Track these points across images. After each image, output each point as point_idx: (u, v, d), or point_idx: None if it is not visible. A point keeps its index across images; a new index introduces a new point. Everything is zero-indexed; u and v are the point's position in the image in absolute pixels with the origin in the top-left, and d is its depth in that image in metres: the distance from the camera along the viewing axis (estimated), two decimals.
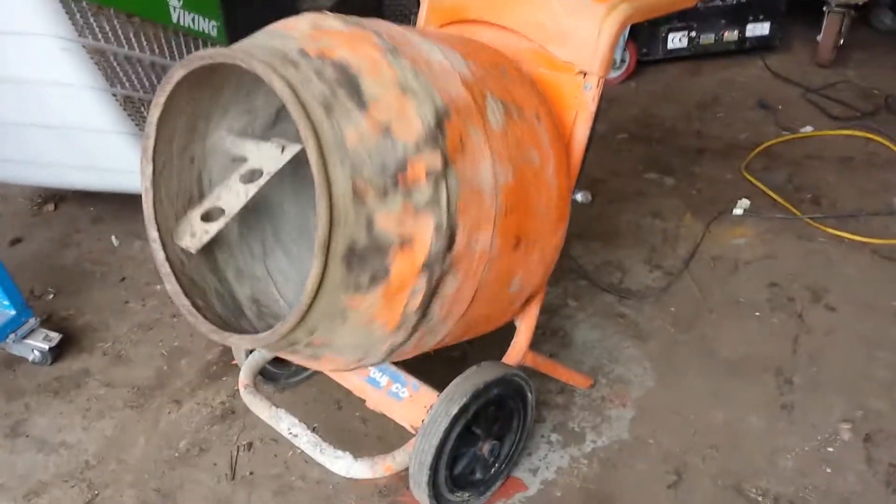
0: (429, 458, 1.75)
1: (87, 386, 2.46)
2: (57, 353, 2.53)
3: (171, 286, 1.49)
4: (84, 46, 2.30)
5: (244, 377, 2.07)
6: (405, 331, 1.48)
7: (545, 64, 1.94)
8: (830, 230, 2.99)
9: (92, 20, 2.32)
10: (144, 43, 2.50)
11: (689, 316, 2.63)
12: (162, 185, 1.52)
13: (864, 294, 2.68)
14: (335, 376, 2.09)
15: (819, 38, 4.35)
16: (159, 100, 1.42)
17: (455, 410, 1.75)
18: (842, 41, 4.29)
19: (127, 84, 2.48)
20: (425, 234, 1.37)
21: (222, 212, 1.54)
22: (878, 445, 2.13)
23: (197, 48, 2.71)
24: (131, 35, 2.44)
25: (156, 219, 1.50)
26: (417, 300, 1.42)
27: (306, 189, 1.84)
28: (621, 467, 2.12)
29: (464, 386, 1.80)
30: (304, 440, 1.87)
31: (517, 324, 2.06)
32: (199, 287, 1.58)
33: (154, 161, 1.48)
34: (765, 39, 4.49)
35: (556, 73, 1.92)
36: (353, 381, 2.06)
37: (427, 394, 1.95)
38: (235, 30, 2.88)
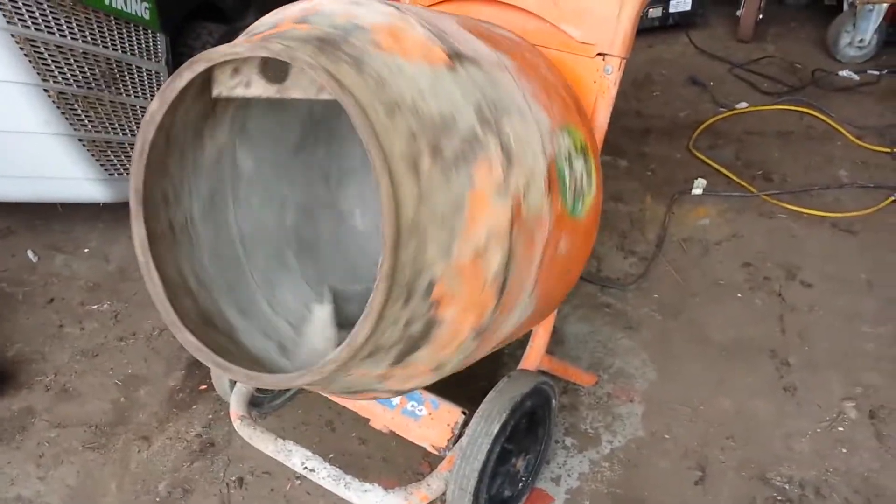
0: (472, 483, 1.59)
1: (33, 428, 2.13)
2: None
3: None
4: (13, 35, 1.96)
5: (237, 408, 1.83)
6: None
7: (559, 45, 1.79)
8: (788, 206, 3.01)
9: (21, 4, 1.97)
10: (77, 29, 2.16)
11: (674, 301, 2.58)
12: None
13: (833, 268, 2.71)
14: (337, 398, 1.89)
15: (739, 13, 4.42)
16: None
17: (496, 429, 1.60)
18: (760, 16, 4.38)
19: (60, 78, 2.14)
20: None
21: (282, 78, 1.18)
22: (885, 421, 2.14)
23: (129, 33, 2.39)
24: (63, 20, 2.10)
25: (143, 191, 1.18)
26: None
27: None
28: (644, 467, 2.03)
29: (501, 401, 1.65)
30: (324, 474, 1.66)
31: (533, 328, 1.92)
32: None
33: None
34: (687, 15, 4.53)
35: (571, 55, 1.78)
36: (358, 402, 1.87)
37: (450, 411, 1.78)
38: (167, 12, 2.58)
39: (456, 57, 1.17)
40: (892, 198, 3.01)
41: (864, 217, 2.94)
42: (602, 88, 1.75)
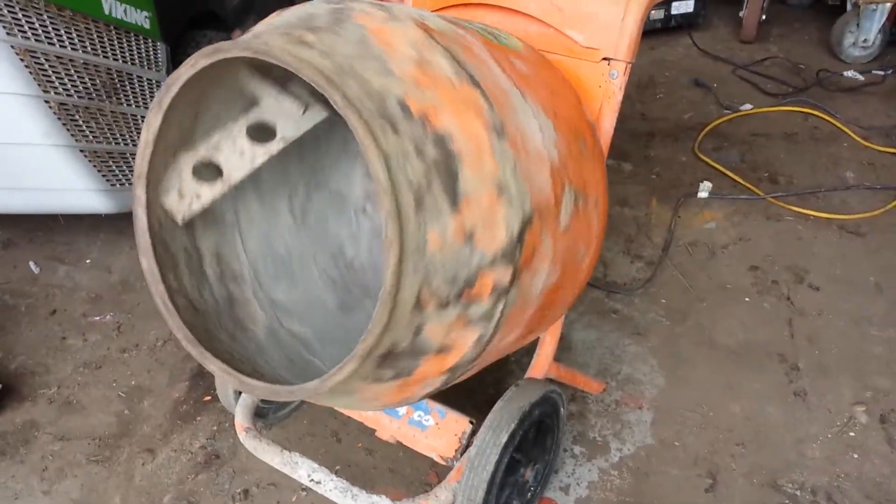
0: (480, 494, 1.57)
1: (37, 441, 2.11)
2: None
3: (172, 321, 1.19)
4: (13, 47, 1.94)
5: (242, 420, 1.81)
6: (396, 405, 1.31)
7: (563, 50, 1.77)
8: (795, 208, 2.99)
9: (20, 15, 1.96)
10: (77, 40, 2.15)
11: (681, 306, 2.55)
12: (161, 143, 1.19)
13: (841, 271, 2.69)
14: (346, 410, 1.87)
15: (742, 14, 4.41)
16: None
17: (505, 439, 1.58)
18: (763, 17, 4.36)
19: (61, 89, 2.12)
20: (465, 345, 1.19)
21: (219, 172, 1.22)
22: (895, 425, 2.13)
23: (129, 43, 2.37)
24: (62, 31, 2.09)
25: (147, 176, 1.16)
26: (425, 392, 1.25)
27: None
28: (654, 475, 2.00)
29: (509, 410, 1.62)
30: (331, 486, 1.63)
31: (540, 335, 1.90)
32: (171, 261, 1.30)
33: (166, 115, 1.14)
34: (689, 17, 4.51)
35: (575, 60, 1.76)
36: (364, 412, 1.85)
37: (457, 420, 1.76)
38: (167, 21, 2.56)
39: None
40: None
41: (871, 219, 2.92)
42: (607, 93, 1.73)
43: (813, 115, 3.63)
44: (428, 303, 1.08)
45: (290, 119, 1.21)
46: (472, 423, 1.75)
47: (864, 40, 4.09)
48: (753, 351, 2.37)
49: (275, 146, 1.22)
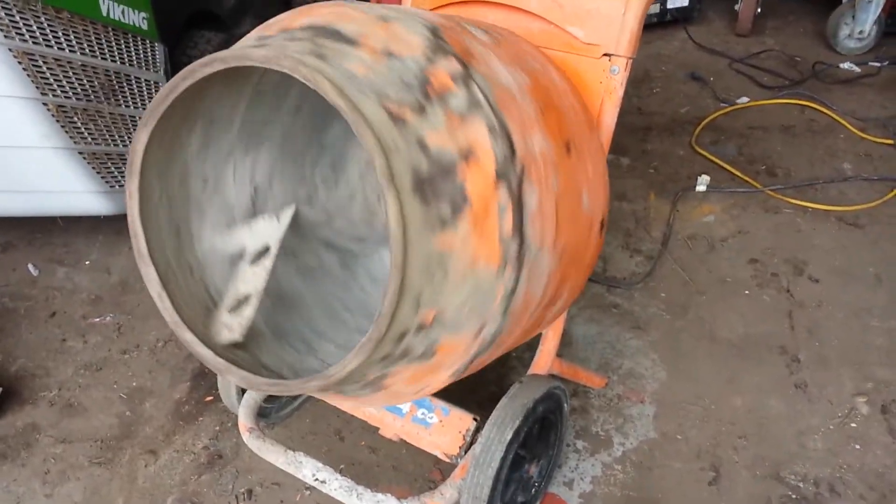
0: (485, 492, 1.57)
1: (38, 444, 2.11)
2: None
3: (235, 375, 1.23)
4: (10, 50, 1.93)
5: (246, 420, 1.80)
6: (512, 268, 1.25)
7: (563, 46, 1.77)
8: (793, 201, 2.99)
9: (17, 18, 1.94)
10: (74, 41, 2.14)
11: (681, 300, 2.56)
12: (174, 292, 1.26)
13: (840, 263, 2.69)
14: (349, 408, 1.87)
15: (737, 7, 4.41)
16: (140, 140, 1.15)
17: (510, 436, 1.58)
18: (759, 10, 4.36)
19: (59, 91, 2.11)
20: (482, 139, 1.18)
21: (247, 298, 1.35)
22: None
23: (127, 44, 2.36)
24: (60, 33, 2.08)
25: (182, 319, 1.24)
26: (508, 220, 1.21)
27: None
28: (657, 469, 2.01)
29: (513, 407, 1.62)
30: (336, 486, 1.63)
31: (543, 330, 1.90)
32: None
33: (154, 262, 1.22)
34: (685, 11, 4.52)
35: (576, 56, 1.76)
36: (368, 410, 1.85)
37: (461, 417, 1.76)
38: (164, 22, 2.55)
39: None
40: None
41: (869, 210, 2.93)
42: (608, 89, 1.73)
43: (809, 107, 3.64)
44: (402, 112, 1.09)
45: (272, 232, 1.41)
46: (476, 420, 1.75)
47: (860, 32, 4.10)
48: (754, 343, 2.38)
49: (272, 254, 1.39)
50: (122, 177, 2.46)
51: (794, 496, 1.94)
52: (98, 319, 2.53)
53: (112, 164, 2.38)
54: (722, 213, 2.97)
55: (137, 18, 2.37)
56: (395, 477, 2.00)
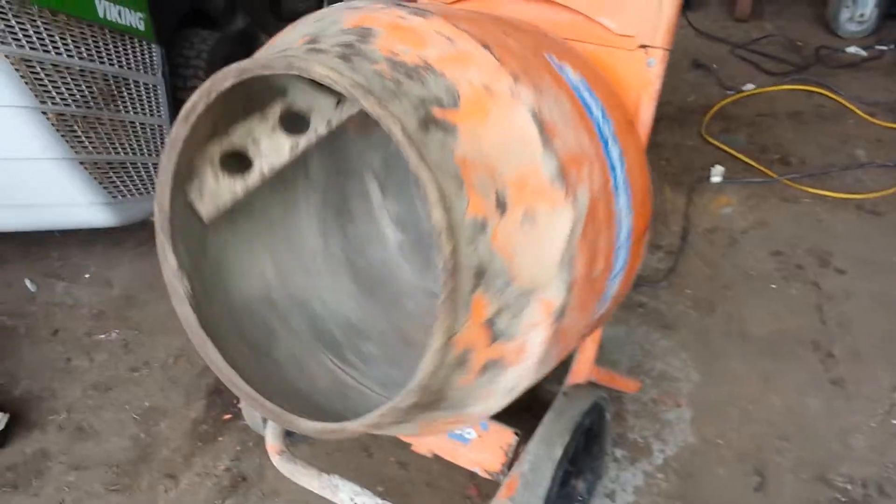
0: None
1: (50, 472, 1.99)
2: (2, 438, 2.04)
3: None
4: (7, 56, 1.81)
5: (274, 442, 1.71)
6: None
7: (595, 39, 1.67)
8: (810, 189, 2.93)
9: (13, 22, 1.82)
10: (72, 45, 2.02)
11: (707, 296, 2.48)
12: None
13: (864, 252, 2.63)
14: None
15: None
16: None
17: (559, 454, 1.50)
18: None
19: (58, 98, 1.99)
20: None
21: (250, 164, 1.10)
22: None
23: (125, 46, 2.24)
24: (57, 37, 1.95)
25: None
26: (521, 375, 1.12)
27: None
28: (700, 476, 1.93)
29: (561, 422, 1.54)
30: None
31: None
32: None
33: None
34: None
35: (609, 49, 1.66)
36: None
37: (501, 432, 1.67)
38: (159, 22, 2.43)
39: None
40: None
41: (888, 197, 2.87)
42: (645, 83, 1.63)
43: (817, 92, 3.58)
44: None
45: (323, 110, 1.10)
46: (517, 434, 1.67)
47: (861, 15, 4.04)
48: (786, 339, 2.31)
49: (313, 134, 1.11)
50: (125, 186, 2.34)
51: (842, 499, 1.87)
52: (103, 336, 2.41)
53: (114, 173, 2.27)
54: (739, 205, 2.90)
55: (134, 19, 2.25)
56: (429, 494, 1.91)
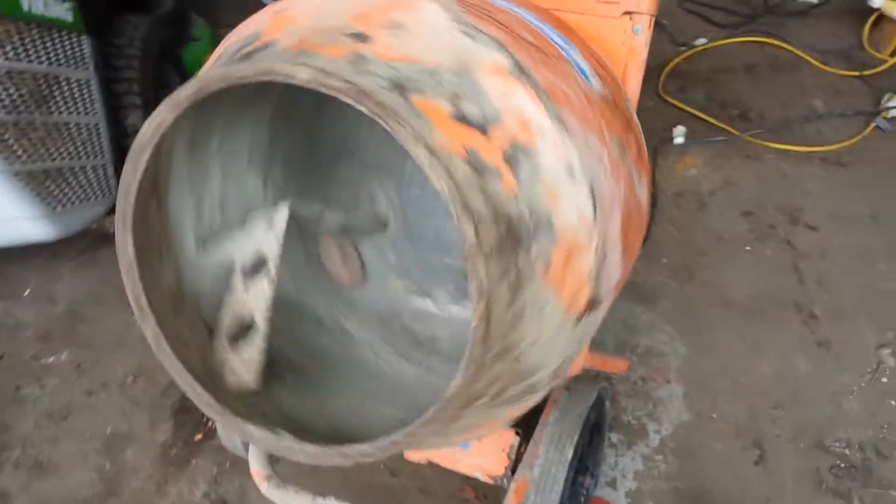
0: None
1: None
2: None
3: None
4: None
5: (260, 467, 1.58)
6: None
7: (577, 7, 1.56)
8: (773, 145, 2.89)
9: None
10: None
11: (684, 263, 2.43)
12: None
13: (833, 206, 2.61)
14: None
15: None
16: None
17: (570, 454, 1.42)
18: None
19: None
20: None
21: (248, 328, 1.09)
22: None
23: (53, 41, 2.02)
24: None
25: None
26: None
27: None
28: (699, 453, 1.89)
29: (569, 420, 1.46)
30: None
31: None
32: None
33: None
34: None
35: (592, 17, 1.56)
36: None
37: (501, 434, 1.58)
38: (88, 9, 2.21)
39: None
40: (873, 125, 2.93)
41: (850, 148, 2.85)
42: (632, 51, 1.56)
43: (769, 43, 3.52)
44: None
45: (269, 238, 1.13)
46: (518, 433, 1.58)
47: None
48: (767, 303, 2.27)
49: (272, 266, 1.11)
50: (64, 195, 2.14)
51: (842, 465, 1.85)
52: (52, 359, 2.23)
53: (51, 181, 2.07)
54: (704, 166, 2.85)
55: (61, 10, 2.04)
56: (423, 501, 1.82)
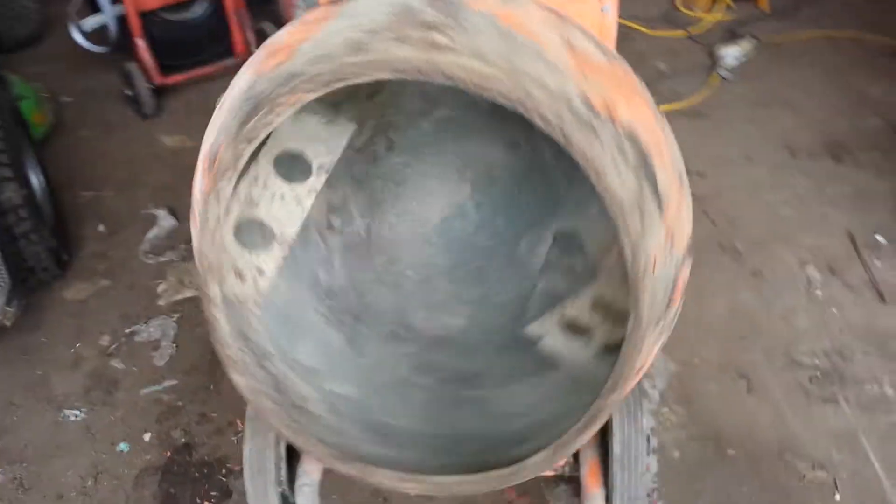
0: (642, 493, 1.43)
1: None
2: None
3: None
4: None
5: None
6: None
7: None
8: None
9: None
10: None
11: None
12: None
13: (710, 153, 2.83)
14: None
15: None
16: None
17: (645, 420, 1.44)
18: None
19: None
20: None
21: (271, 233, 1.03)
22: (844, 271, 2.30)
23: None
24: None
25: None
26: None
27: None
28: (698, 397, 1.99)
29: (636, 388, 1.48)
30: None
31: None
32: None
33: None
34: None
35: (566, 1, 1.59)
36: None
37: None
38: None
39: None
40: (715, 73, 3.23)
41: (705, 101, 3.11)
42: (603, 29, 1.61)
43: None
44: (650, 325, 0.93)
45: (316, 141, 1.03)
46: None
47: None
48: (696, 248, 2.42)
49: (317, 181, 1.01)
50: None
51: (818, 374, 2.02)
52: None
53: None
54: None
55: None
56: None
